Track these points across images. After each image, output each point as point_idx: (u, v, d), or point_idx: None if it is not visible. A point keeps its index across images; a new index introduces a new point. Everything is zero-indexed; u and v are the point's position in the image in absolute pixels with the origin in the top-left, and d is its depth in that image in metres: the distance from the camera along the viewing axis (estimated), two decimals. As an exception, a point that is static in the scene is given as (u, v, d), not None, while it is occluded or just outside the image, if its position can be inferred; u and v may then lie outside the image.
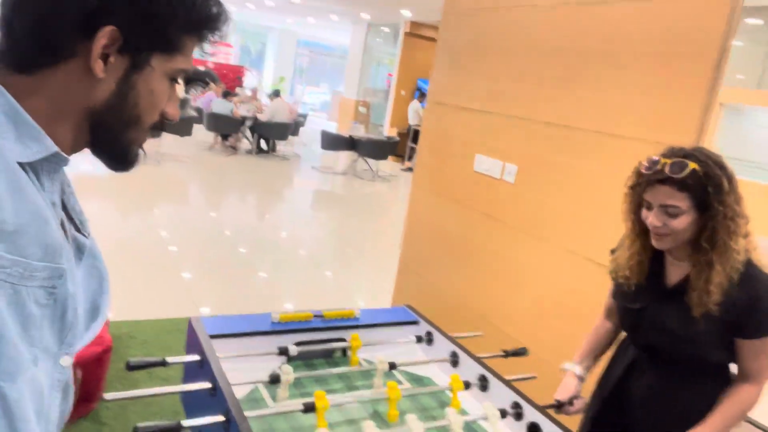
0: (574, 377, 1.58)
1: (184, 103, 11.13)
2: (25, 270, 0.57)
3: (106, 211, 5.65)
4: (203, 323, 1.64)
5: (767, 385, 1.40)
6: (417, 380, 1.74)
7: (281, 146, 10.95)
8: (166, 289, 4.06)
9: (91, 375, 2.40)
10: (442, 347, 1.83)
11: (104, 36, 0.61)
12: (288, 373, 1.47)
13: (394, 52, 13.15)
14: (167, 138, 8.50)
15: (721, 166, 1.28)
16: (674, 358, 1.41)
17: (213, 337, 1.60)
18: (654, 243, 1.36)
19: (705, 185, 1.25)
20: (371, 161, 10.03)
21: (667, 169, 1.26)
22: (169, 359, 1.51)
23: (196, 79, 14.26)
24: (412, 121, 11.06)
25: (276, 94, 10.76)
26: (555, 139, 2.53)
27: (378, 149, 9.74)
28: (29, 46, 0.61)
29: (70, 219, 0.70)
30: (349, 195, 8.80)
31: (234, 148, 10.29)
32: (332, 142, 9.78)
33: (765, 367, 1.35)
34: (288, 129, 10.29)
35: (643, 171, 1.31)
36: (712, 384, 1.40)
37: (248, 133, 10.38)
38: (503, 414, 1.48)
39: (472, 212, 3.03)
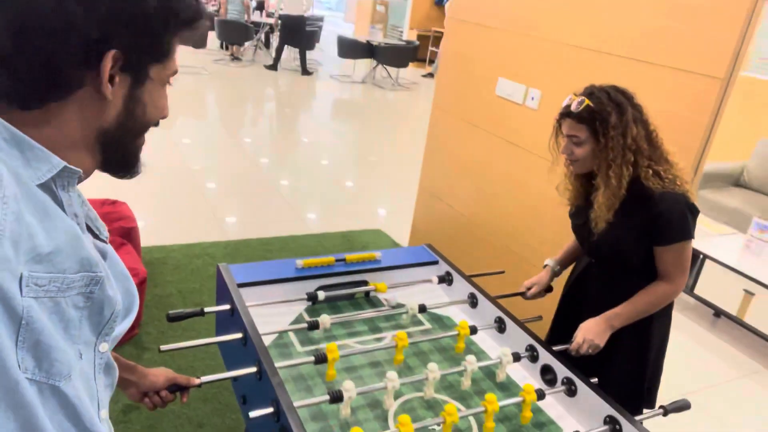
0: (548, 271, 1.89)
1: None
2: (62, 284, 0.62)
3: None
4: (231, 272, 1.71)
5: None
6: (437, 320, 1.82)
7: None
8: (192, 208, 4.17)
9: (130, 305, 2.55)
10: (462, 288, 1.89)
11: (109, 61, 0.62)
12: (326, 322, 1.56)
13: (413, -56, 12.24)
14: (181, 49, 8.30)
15: (617, 102, 1.52)
16: (610, 263, 1.69)
17: (241, 285, 1.67)
18: (572, 168, 1.65)
19: (594, 119, 1.51)
20: (391, 69, 9.71)
21: (572, 106, 1.55)
22: (207, 309, 1.58)
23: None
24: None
25: None
26: (583, 64, 2.42)
27: (398, 56, 9.39)
28: (36, 86, 0.61)
29: (87, 227, 0.73)
30: (369, 104, 8.64)
31: (238, 59, 9.75)
32: (350, 49, 9.44)
33: (674, 270, 1.58)
34: (314, 37, 9.55)
35: (562, 107, 1.59)
36: (645, 284, 1.62)
37: (270, 42, 9.73)
38: (518, 357, 1.56)
39: (494, 138, 2.98)
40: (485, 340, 1.71)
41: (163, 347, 1.34)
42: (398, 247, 3.95)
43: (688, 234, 1.54)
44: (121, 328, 0.75)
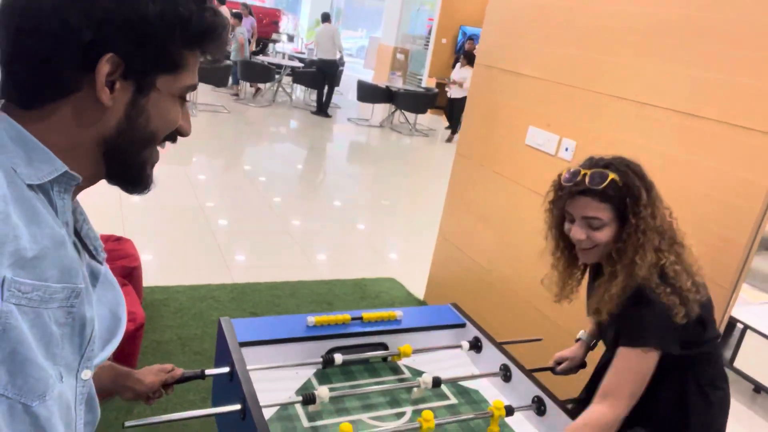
0: (581, 345, 1.69)
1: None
2: (44, 293, 0.58)
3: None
4: (234, 327, 1.51)
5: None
6: (464, 394, 1.59)
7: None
8: (201, 247, 3.99)
9: (123, 352, 2.35)
10: (492, 357, 1.67)
11: (105, 64, 0.61)
12: (324, 396, 1.33)
13: (435, -5, 12.48)
14: (202, 87, 8.35)
15: (641, 176, 1.26)
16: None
17: (244, 344, 1.47)
18: (580, 258, 1.33)
19: (624, 196, 1.23)
20: (409, 114, 9.70)
21: (587, 180, 1.23)
22: (208, 371, 1.40)
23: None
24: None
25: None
26: (624, 116, 2.26)
27: (417, 102, 9.38)
28: (32, 86, 0.62)
29: (84, 246, 0.71)
30: (386, 148, 8.56)
31: (256, 93, 9.83)
32: (369, 93, 9.46)
33: (615, 387, 1.22)
34: (336, 74, 9.47)
35: (564, 183, 1.28)
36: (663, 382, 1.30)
37: (292, 83, 9.87)
38: (562, 448, 1.32)
39: (521, 189, 2.81)
40: (522, 423, 1.48)
41: (128, 423, 1.12)
42: (413, 297, 3.74)
43: (644, 341, 1.21)
44: (104, 354, 0.71)
